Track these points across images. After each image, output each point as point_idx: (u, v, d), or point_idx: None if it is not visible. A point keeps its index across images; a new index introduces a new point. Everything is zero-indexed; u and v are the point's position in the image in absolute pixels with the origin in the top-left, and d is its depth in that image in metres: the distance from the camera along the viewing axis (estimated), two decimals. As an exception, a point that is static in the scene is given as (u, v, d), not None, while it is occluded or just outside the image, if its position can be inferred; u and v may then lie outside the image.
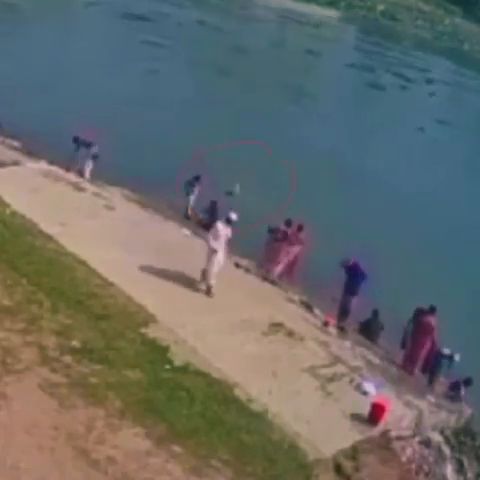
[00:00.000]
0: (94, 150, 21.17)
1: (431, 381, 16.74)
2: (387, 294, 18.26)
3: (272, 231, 18.56)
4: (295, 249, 18.69)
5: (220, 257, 15.57)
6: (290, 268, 18.80)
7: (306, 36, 57.34)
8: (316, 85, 44.78)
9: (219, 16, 55.68)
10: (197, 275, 15.91)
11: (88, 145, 21.01)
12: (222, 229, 15.50)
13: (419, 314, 16.96)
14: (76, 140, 21.03)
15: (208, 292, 15.55)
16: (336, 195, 25.67)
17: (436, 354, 16.77)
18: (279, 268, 18.34)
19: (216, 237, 15.47)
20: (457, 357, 16.64)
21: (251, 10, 62.81)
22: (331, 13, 69.99)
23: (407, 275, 20.76)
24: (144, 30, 44.34)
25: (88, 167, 21.03)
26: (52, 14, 41.77)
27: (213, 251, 15.40)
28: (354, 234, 21.73)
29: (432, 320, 16.75)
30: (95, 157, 21.23)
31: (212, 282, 15.51)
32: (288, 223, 18.83)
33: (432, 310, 16.75)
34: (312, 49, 52.94)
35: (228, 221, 15.60)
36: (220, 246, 15.49)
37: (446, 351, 16.67)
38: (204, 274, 15.61)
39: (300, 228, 18.79)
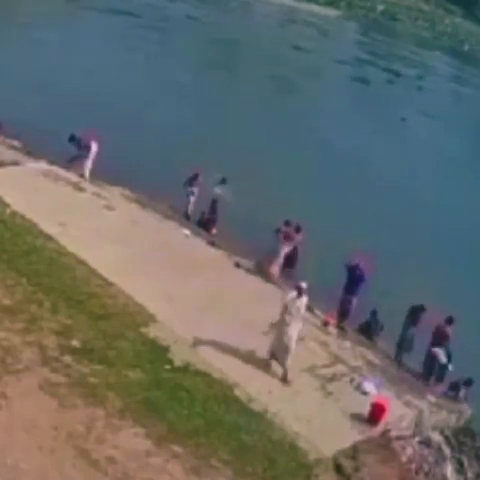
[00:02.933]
0: (94, 150, 21.11)
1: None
2: (387, 294, 18.27)
3: (278, 232, 18.58)
4: (283, 246, 18.59)
5: (293, 333, 13.65)
6: (287, 265, 18.73)
7: (304, 34, 57.38)
8: (311, 81, 44.78)
9: (218, 12, 55.62)
10: (194, 271, 15.88)
11: (85, 146, 20.92)
12: (293, 300, 13.53)
13: (416, 312, 17.05)
14: (72, 139, 20.97)
15: (284, 379, 13.60)
16: (333, 193, 25.65)
17: (432, 359, 16.79)
18: (276, 269, 18.29)
19: (287, 310, 13.50)
20: (450, 367, 16.71)
21: (251, 7, 62.80)
22: (331, 12, 69.98)
23: (407, 274, 20.76)
24: (135, 26, 44.27)
25: (87, 167, 20.99)
26: (36, 12, 41.58)
27: (285, 326, 13.46)
28: (353, 233, 21.74)
29: (448, 330, 16.83)
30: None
31: (286, 363, 13.60)
32: (287, 223, 18.82)
33: (450, 321, 16.83)
34: (310, 46, 53.01)
35: (299, 291, 13.58)
36: (293, 320, 13.52)
37: (443, 359, 16.72)
38: (273, 354, 13.71)
39: (298, 229, 18.76)
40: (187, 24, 49.55)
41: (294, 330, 13.55)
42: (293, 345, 13.59)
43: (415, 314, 17.06)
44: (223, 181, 21.80)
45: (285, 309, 13.50)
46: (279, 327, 13.52)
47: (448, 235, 25.29)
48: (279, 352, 13.58)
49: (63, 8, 43.79)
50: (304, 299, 13.62)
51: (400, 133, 36.75)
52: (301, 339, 15.18)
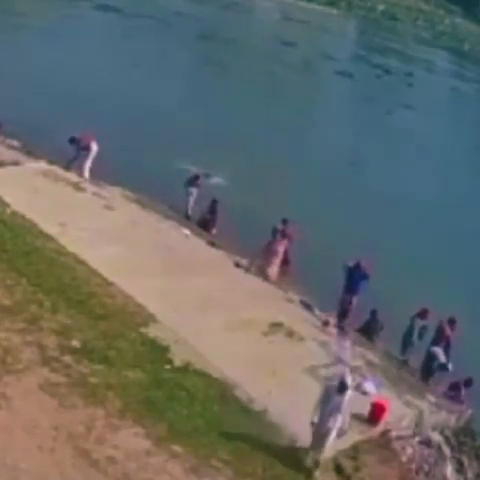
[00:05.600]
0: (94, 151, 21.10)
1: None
2: (387, 294, 18.26)
3: (276, 231, 18.58)
4: (282, 246, 18.56)
5: (331, 428, 11.71)
6: (284, 263, 18.73)
7: (303, 32, 57.44)
8: (309, 79, 45.14)
9: (216, 9, 55.53)
10: (194, 271, 15.85)
11: (85, 147, 20.90)
12: (335, 396, 11.58)
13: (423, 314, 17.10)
14: (73, 141, 20.97)
15: (312, 470, 11.82)
16: (333, 192, 25.65)
17: (431, 358, 16.81)
18: (275, 269, 18.28)
19: (327, 405, 11.65)
20: (450, 366, 16.73)
21: (250, 4, 62.81)
22: (331, 12, 69.96)
23: (407, 274, 20.76)
24: (129, 22, 44.26)
25: (87, 167, 20.97)
26: (33, 10, 41.52)
27: (323, 417, 11.65)
28: (353, 233, 21.76)
29: (447, 329, 16.88)
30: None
31: (319, 456, 11.86)
32: (285, 222, 18.81)
33: (451, 321, 17.01)
34: (308, 45, 53.11)
35: (342, 387, 11.59)
36: (331, 416, 11.60)
37: (442, 359, 16.74)
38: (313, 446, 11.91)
39: (284, 223, 18.74)
40: (184, 21, 49.33)
41: (332, 425, 11.63)
42: (328, 442, 11.78)
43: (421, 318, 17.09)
44: (207, 175, 21.78)
45: (325, 399, 11.72)
46: (319, 415, 11.72)
47: (449, 234, 25.27)
48: (315, 438, 11.89)
49: (59, 6, 43.74)
50: (347, 395, 11.64)
51: (400, 131, 36.73)
52: (301, 339, 15.24)
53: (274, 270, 18.12)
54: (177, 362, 12.97)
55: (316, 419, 11.62)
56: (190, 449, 11.03)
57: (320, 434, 11.70)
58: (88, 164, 20.93)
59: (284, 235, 18.55)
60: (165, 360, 12.95)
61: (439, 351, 16.82)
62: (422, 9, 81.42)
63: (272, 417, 12.43)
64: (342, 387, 11.57)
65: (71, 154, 21.00)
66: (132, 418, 11.25)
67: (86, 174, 20.80)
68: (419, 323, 17.06)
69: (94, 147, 20.95)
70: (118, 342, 12.94)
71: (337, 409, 11.55)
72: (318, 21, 62.95)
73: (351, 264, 17.06)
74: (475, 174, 34.00)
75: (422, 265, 21.95)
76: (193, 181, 21.47)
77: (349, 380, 11.73)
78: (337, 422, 11.62)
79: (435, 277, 21.20)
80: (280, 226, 18.63)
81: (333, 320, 16.70)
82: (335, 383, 11.72)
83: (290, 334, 15.18)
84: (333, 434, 11.75)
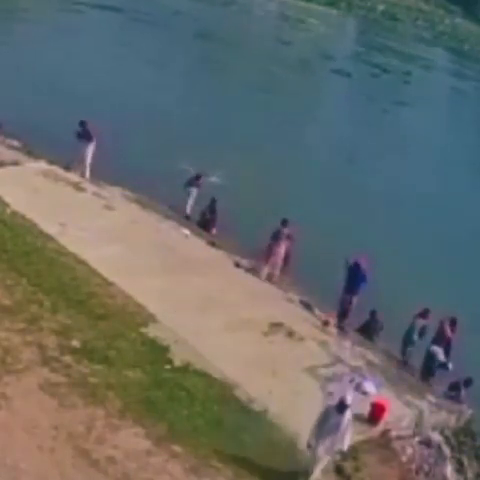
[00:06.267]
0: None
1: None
2: (387, 294, 18.26)
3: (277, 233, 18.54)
4: (282, 247, 18.51)
5: (328, 449, 11.43)
6: (284, 263, 18.71)
7: (302, 32, 57.52)
8: (309, 79, 45.12)
9: (215, 7, 55.52)
10: (194, 271, 15.84)
11: (89, 137, 20.77)
12: (335, 416, 11.22)
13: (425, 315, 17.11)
14: (83, 124, 20.80)
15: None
16: (333, 191, 25.64)
17: (431, 358, 16.81)
18: (276, 271, 18.25)
19: (325, 424, 11.30)
20: (450, 366, 16.74)
21: (250, 3, 62.81)
22: (331, 12, 69.95)
23: (407, 274, 20.76)
24: (128, 21, 44.28)
25: (87, 163, 20.89)
26: (34, 9, 41.51)
27: (320, 437, 11.32)
28: (353, 233, 21.75)
29: (447, 329, 16.90)
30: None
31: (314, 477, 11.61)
32: (284, 223, 18.77)
33: (452, 322, 17.01)
34: (307, 44, 53.18)
35: (341, 407, 11.24)
36: (329, 436, 11.29)
37: (442, 358, 16.74)
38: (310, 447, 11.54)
39: (284, 223, 18.69)
40: (183, 21, 49.23)
41: (329, 446, 11.38)
42: (323, 462, 11.59)
43: (422, 318, 17.08)
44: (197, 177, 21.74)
45: (324, 420, 11.39)
46: (317, 436, 11.40)
47: (449, 234, 25.27)
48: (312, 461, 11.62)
49: (60, 4, 43.73)
50: (347, 416, 11.25)
51: (400, 131, 36.73)
52: (301, 339, 15.24)
53: (275, 272, 18.11)
54: (177, 362, 12.98)
55: (313, 442, 11.37)
56: (190, 449, 11.05)
57: (316, 457, 11.47)
58: (89, 160, 20.86)
59: (288, 237, 18.51)
60: (165, 360, 12.96)
61: (438, 350, 16.82)
62: (422, 9, 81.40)
63: (272, 417, 12.43)
64: (342, 407, 11.23)
65: (76, 143, 20.80)
66: (132, 418, 11.26)
67: (87, 173, 20.77)
68: (420, 323, 17.04)
69: (92, 146, 20.89)
70: (118, 342, 12.95)
71: (336, 429, 11.23)
72: (318, 21, 62.92)
73: (351, 264, 17.06)
74: (475, 174, 33.96)
75: (422, 265, 21.94)
76: (194, 181, 21.45)
77: (349, 399, 11.32)
78: (335, 444, 11.36)
79: (435, 277, 21.20)
80: (285, 229, 18.51)
81: (333, 320, 16.70)
82: (334, 403, 11.41)
83: (290, 334, 15.19)
84: (328, 457, 11.58)
